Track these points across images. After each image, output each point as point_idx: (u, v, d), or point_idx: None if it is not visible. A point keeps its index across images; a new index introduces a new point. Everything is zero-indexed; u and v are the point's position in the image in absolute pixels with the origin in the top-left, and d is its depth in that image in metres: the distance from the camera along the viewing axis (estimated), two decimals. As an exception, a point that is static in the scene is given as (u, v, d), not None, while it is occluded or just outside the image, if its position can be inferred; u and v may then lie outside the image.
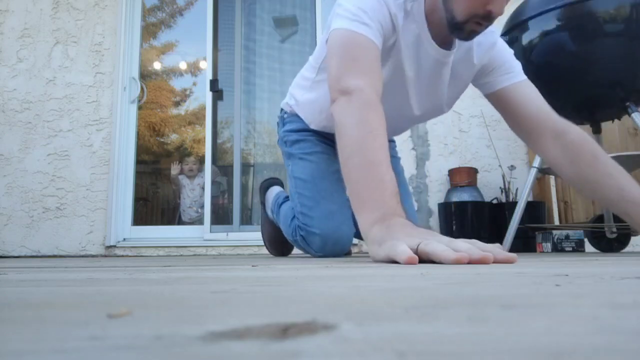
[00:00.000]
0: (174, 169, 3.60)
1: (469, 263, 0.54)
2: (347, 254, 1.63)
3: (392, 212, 0.69)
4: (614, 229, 1.83)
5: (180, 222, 3.54)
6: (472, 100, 2.55)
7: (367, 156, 0.76)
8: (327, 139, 1.30)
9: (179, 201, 3.71)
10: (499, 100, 1.11)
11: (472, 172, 2.37)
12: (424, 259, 0.58)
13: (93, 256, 2.44)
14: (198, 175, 3.44)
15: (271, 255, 1.59)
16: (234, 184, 2.80)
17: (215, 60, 2.86)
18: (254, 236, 2.54)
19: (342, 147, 0.81)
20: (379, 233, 0.66)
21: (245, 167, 3.01)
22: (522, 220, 1.62)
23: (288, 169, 1.33)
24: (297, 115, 1.33)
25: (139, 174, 2.98)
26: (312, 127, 1.30)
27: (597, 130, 1.63)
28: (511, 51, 1.13)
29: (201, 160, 3.36)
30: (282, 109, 1.41)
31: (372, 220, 0.69)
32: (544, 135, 1.08)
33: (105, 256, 2.45)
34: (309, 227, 1.20)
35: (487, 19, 0.87)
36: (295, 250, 1.68)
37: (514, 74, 1.09)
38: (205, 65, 2.88)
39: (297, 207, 1.24)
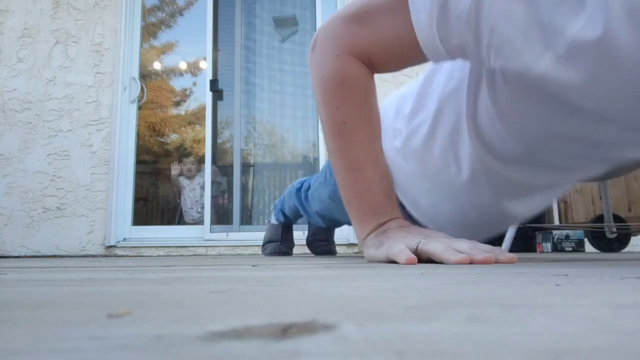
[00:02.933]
0: (174, 169, 3.60)
1: (470, 264, 0.54)
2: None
3: (386, 217, 0.67)
4: (614, 229, 1.83)
5: (181, 223, 3.54)
6: (472, 100, 2.55)
7: (346, 156, 0.68)
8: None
9: (179, 201, 3.71)
10: None
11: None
12: (423, 258, 0.58)
13: (93, 256, 2.44)
14: (198, 175, 3.44)
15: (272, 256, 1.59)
16: (234, 184, 2.80)
17: (215, 60, 2.86)
18: (254, 236, 2.54)
19: (323, 126, 0.70)
20: (375, 240, 0.65)
21: (245, 167, 3.01)
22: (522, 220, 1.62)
23: (329, 180, 1.05)
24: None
25: (139, 174, 2.98)
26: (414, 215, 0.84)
27: (597, 130, 1.62)
28: None
29: (200, 160, 3.36)
30: None
31: (367, 230, 0.68)
32: None
33: (105, 256, 2.45)
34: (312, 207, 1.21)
35: None
36: (296, 251, 1.68)
37: None
38: (205, 65, 2.88)
39: (315, 197, 1.19)
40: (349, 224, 1.13)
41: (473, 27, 0.55)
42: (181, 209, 3.70)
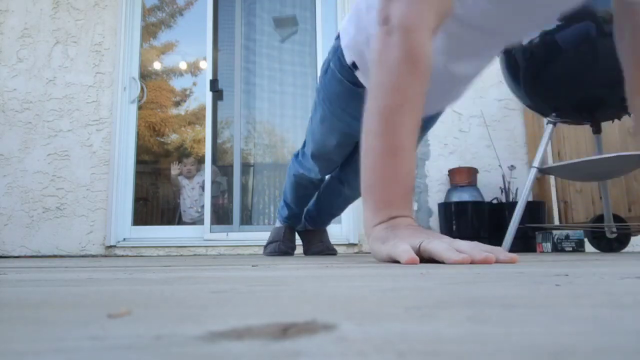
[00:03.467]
0: (174, 169, 3.60)
1: (471, 263, 0.54)
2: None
3: (399, 213, 0.67)
4: (614, 229, 1.83)
5: (180, 223, 3.54)
6: (472, 100, 2.55)
7: (390, 140, 0.67)
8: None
9: (178, 201, 3.71)
10: None
11: (472, 172, 2.37)
12: (426, 257, 0.58)
13: (93, 256, 2.44)
14: (197, 175, 3.44)
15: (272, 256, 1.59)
16: (234, 184, 2.80)
17: (215, 60, 2.86)
18: (254, 236, 2.54)
19: (368, 109, 0.70)
20: (383, 232, 0.66)
21: (245, 167, 3.01)
22: (522, 220, 1.62)
23: (318, 105, 1.20)
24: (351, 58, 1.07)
25: (139, 174, 2.98)
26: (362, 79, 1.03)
27: (597, 131, 1.63)
28: None
29: (200, 160, 3.36)
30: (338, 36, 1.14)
31: (377, 219, 0.68)
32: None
33: (105, 256, 2.45)
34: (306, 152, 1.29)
35: None
36: (296, 251, 1.68)
37: None
38: (205, 65, 2.88)
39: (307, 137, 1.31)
40: (342, 160, 1.28)
41: None
42: (181, 213, 3.70)
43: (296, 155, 1.46)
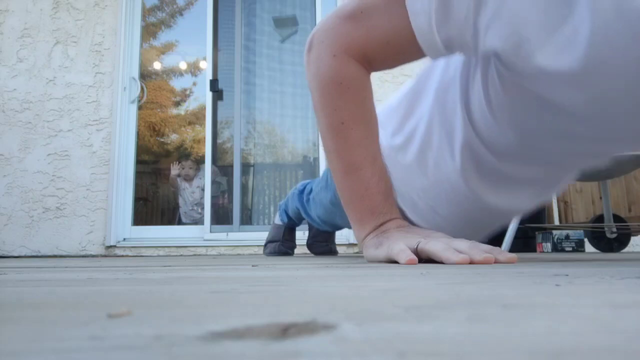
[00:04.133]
0: (174, 170, 3.60)
1: (470, 264, 0.54)
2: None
3: (385, 217, 0.67)
4: (614, 229, 1.83)
5: (180, 223, 3.54)
6: (472, 100, 2.55)
7: (344, 156, 0.67)
8: None
9: (178, 202, 3.70)
10: None
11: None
12: (423, 258, 0.58)
13: (93, 256, 2.44)
14: (196, 178, 3.43)
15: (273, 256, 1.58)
16: (234, 184, 2.80)
17: (215, 60, 2.86)
18: (254, 236, 2.54)
19: (319, 127, 0.70)
20: (374, 240, 0.65)
21: (245, 167, 3.01)
22: (522, 220, 1.62)
23: (330, 185, 1.05)
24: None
25: (139, 174, 2.98)
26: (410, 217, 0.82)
27: (597, 130, 1.63)
28: None
29: (199, 161, 3.36)
30: None
31: (366, 230, 0.68)
32: None
33: (105, 256, 2.45)
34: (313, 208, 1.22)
35: None
36: (296, 251, 1.68)
37: None
38: (205, 65, 2.88)
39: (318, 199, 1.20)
40: (350, 227, 1.12)
41: (472, 19, 0.56)
42: (180, 210, 3.70)
43: (301, 192, 1.34)
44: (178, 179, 3.51)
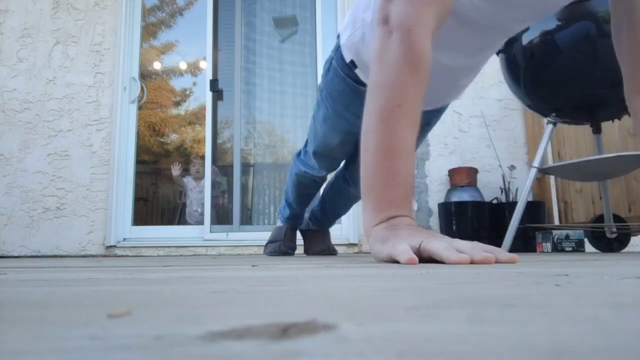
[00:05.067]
0: (175, 170, 3.60)
1: (470, 264, 0.54)
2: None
3: (399, 213, 0.67)
4: (614, 229, 1.83)
5: (181, 223, 3.54)
6: (472, 100, 2.55)
7: (388, 140, 0.67)
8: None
9: (181, 201, 3.70)
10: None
11: (472, 172, 2.37)
12: (425, 257, 0.58)
13: (93, 256, 2.44)
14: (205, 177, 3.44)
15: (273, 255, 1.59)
16: (234, 184, 2.80)
17: (215, 60, 2.86)
18: (254, 236, 2.54)
19: (367, 109, 0.70)
20: (382, 232, 0.65)
21: (245, 167, 3.01)
22: (522, 220, 1.62)
23: (321, 104, 1.22)
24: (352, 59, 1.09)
25: (139, 174, 2.98)
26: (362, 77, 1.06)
27: (597, 130, 1.63)
28: None
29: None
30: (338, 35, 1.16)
31: (377, 220, 0.68)
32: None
33: (105, 256, 2.45)
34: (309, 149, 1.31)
35: None
36: (297, 251, 1.68)
37: None
38: (205, 65, 2.88)
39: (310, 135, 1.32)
40: (347, 148, 1.26)
41: None
42: (181, 210, 3.69)
43: (298, 154, 1.46)
44: (184, 179, 3.50)
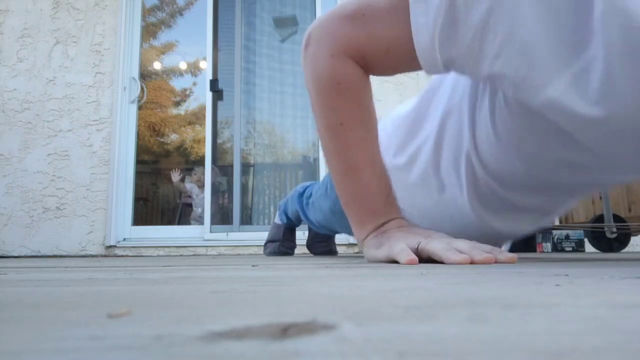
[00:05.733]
0: (174, 176, 3.60)
1: (470, 264, 0.54)
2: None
3: (386, 218, 0.66)
4: (614, 229, 1.83)
5: (181, 223, 3.54)
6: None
7: (344, 158, 0.66)
8: None
9: (181, 202, 3.70)
10: None
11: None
12: (424, 257, 0.58)
13: (93, 256, 2.44)
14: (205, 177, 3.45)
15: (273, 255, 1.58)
16: (234, 184, 2.80)
17: (215, 60, 2.86)
18: (254, 236, 2.54)
19: (317, 127, 0.69)
20: (375, 240, 0.65)
21: (245, 167, 3.01)
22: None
23: (331, 192, 1.06)
24: None
25: (139, 174, 2.98)
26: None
27: (597, 130, 1.62)
28: None
29: (201, 161, 3.36)
30: None
31: (366, 231, 0.67)
32: None
33: (105, 256, 2.45)
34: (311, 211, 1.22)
35: None
36: (296, 251, 1.68)
37: None
38: (205, 65, 2.88)
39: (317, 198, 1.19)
40: (350, 233, 1.10)
41: (478, 44, 0.54)
42: (181, 210, 3.69)
43: (300, 195, 1.34)
44: (187, 185, 3.51)
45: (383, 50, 0.63)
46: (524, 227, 0.83)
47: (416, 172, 0.79)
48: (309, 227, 1.62)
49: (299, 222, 1.54)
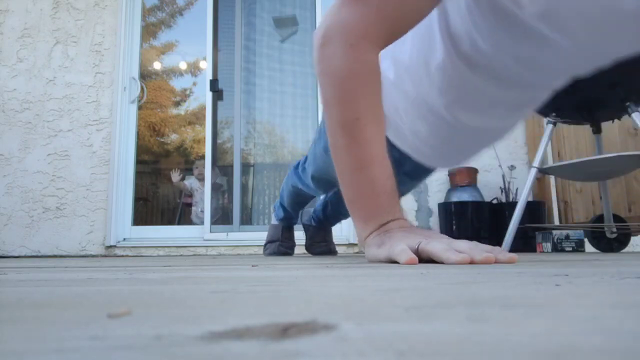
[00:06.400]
0: (174, 177, 3.60)
1: (470, 264, 0.54)
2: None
3: (389, 217, 0.66)
4: (614, 229, 1.83)
5: (181, 223, 3.54)
6: (472, 100, 2.55)
7: (356, 153, 0.66)
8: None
9: (181, 201, 3.69)
10: None
11: (472, 172, 2.37)
12: (424, 258, 0.58)
13: (93, 256, 2.44)
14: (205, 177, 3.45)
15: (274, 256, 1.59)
16: (234, 184, 2.80)
17: (215, 60, 2.86)
18: (254, 236, 2.54)
19: (328, 124, 0.70)
20: (377, 239, 0.65)
21: (245, 167, 3.01)
22: (522, 220, 1.62)
23: (322, 134, 1.10)
24: None
25: (139, 174, 2.98)
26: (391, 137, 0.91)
27: (597, 130, 1.63)
28: None
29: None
30: None
31: (369, 229, 0.67)
32: None
33: (105, 256, 2.45)
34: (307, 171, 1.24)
35: None
36: (296, 251, 1.68)
37: None
38: (205, 65, 2.88)
39: (309, 160, 1.23)
40: None
41: None
42: (181, 210, 3.69)
43: (296, 167, 1.40)
44: (187, 182, 3.50)
45: (399, 5, 0.64)
46: (497, 120, 0.87)
47: (392, 71, 0.83)
48: (306, 227, 1.63)
49: (295, 213, 1.55)
